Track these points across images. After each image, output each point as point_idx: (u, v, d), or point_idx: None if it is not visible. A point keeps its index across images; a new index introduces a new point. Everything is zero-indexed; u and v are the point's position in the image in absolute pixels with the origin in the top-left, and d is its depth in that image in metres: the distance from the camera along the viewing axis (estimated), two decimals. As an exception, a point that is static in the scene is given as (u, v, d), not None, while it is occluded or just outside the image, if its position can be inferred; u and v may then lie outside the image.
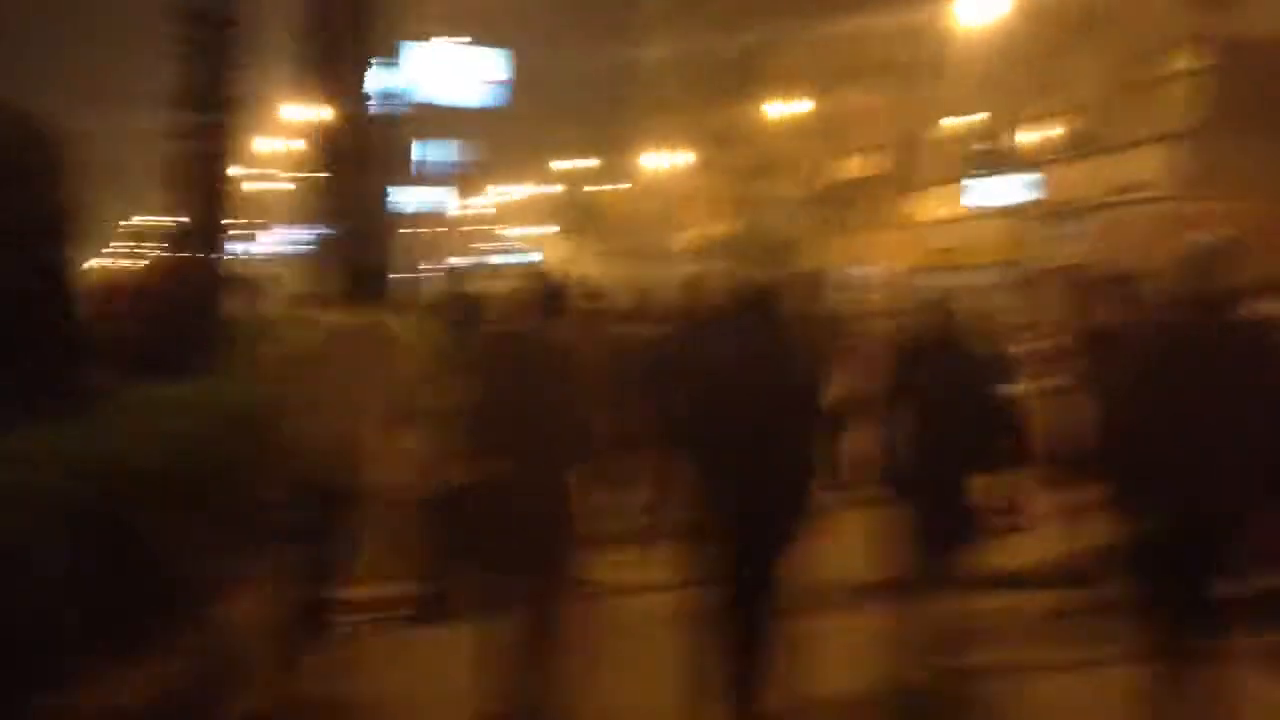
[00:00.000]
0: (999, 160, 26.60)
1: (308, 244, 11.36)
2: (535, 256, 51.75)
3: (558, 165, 58.11)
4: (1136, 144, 24.00)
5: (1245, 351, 4.35)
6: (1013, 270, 25.06)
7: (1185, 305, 4.37)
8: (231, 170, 9.04)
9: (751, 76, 42.54)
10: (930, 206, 32.53)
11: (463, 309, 11.91)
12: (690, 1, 48.85)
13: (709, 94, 46.38)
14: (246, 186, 39.62)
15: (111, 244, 54.52)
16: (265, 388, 6.01)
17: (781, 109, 40.37)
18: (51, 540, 3.77)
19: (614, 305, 11.65)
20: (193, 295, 8.43)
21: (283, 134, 38.16)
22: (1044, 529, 8.31)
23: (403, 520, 5.41)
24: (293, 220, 30.21)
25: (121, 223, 54.95)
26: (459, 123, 33.76)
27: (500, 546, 4.86)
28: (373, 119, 12.15)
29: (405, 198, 26.49)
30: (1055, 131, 27.12)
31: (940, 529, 5.62)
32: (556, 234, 57.18)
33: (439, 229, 39.80)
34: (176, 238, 8.76)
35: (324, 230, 11.58)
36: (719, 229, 43.90)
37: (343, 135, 11.53)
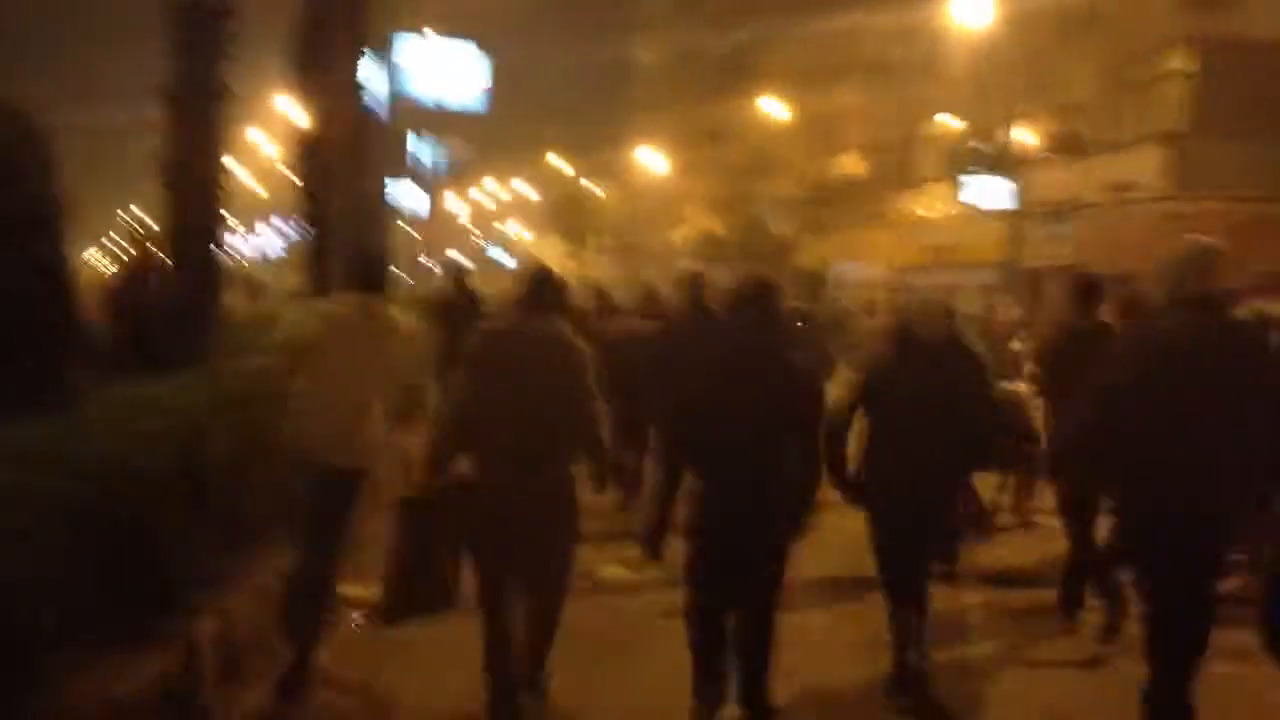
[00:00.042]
0: (992, 159, 26.62)
1: (302, 238, 11.30)
2: (530, 254, 51.74)
3: (552, 162, 58.08)
4: (1129, 144, 24.06)
5: (1242, 352, 4.36)
6: (1006, 269, 25.15)
7: (1182, 306, 4.37)
8: (225, 164, 9.01)
9: (746, 75, 42.57)
10: (923, 205, 32.58)
11: (459, 306, 11.94)
12: (685, 1, 48.86)
13: (703, 92, 46.39)
14: (240, 180, 39.55)
15: (104, 238, 54.44)
16: (258, 380, 5.99)
17: (775, 107, 40.39)
18: (47, 537, 3.75)
19: (609, 302, 11.65)
20: (159, 294, 8.41)
21: (277, 128, 38.07)
22: (1040, 527, 8.34)
23: (392, 516, 5.40)
24: (287, 214, 30.15)
25: (119, 213, 54.83)
26: (454, 120, 33.70)
27: (498, 544, 4.84)
28: (367, 114, 12.10)
29: (401, 194, 26.47)
30: (1048, 131, 27.16)
31: (937, 527, 5.62)
32: (551, 232, 57.14)
33: (435, 226, 39.73)
34: (169, 233, 8.73)
35: (319, 225, 11.53)
36: (713, 227, 43.93)
37: (337, 130, 11.49)
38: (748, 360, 4.85)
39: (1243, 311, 4.77)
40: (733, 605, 4.87)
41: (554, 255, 45.75)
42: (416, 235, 35.26)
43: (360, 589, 5.94)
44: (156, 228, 10.25)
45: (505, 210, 66.64)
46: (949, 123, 30.83)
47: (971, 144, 27.97)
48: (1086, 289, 6.75)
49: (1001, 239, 25.94)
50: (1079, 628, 6.44)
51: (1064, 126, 26.80)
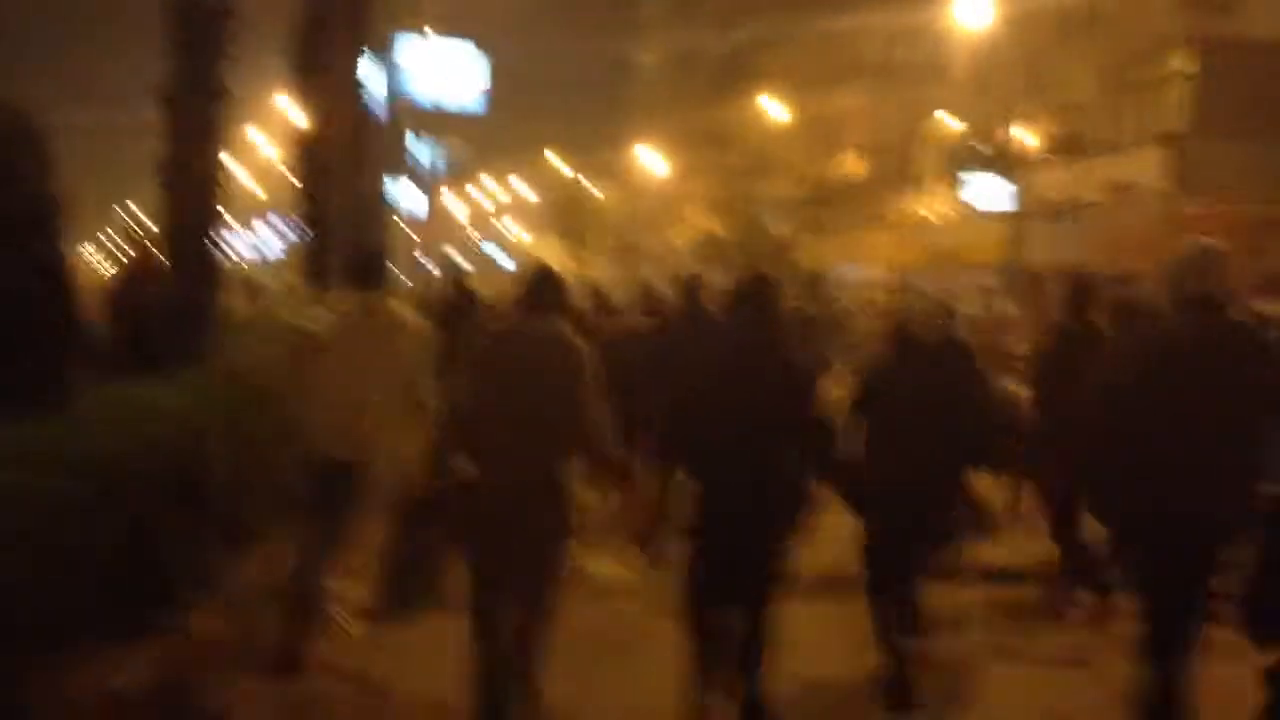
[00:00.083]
0: (992, 160, 26.63)
1: (301, 238, 11.31)
2: (530, 254, 51.75)
3: (551, 163, 58.06)
4: (1129, 144, 24.07)
5: (1243, 352, 4.36)
6: (1006, 270, 25.15)
7: (1183, 306, 4.37)
8: (224, 164, 9.01)
9: (746, 75, 42.57)
10: (923, 206, 32.59)
11: (459, 306, 11.93)
12: (685, 1, 48.86)
13: (703, 93, 46.41)
14: (240, 180, 39.57)
15: (99, 234, 54.47)
16: (263, 377, 6.01)
17: (775, 108, 40.39)
18: (47, 536, 3.75)
19: (606, 302, 11.66)
20: (158, 294, 8.41)
21: (276, 127, 38.07)
22: (1036, 525, 8.33)
23: (390, 515, 5.41)
24: (285, 214, 30.14)
25: (116, 209, 54.87)
26: (452, 119, 33.72)
27: (497, 544, 4.83)
28: (366, 114, 12.11)
29: (399, 194, 26.48)
30: (1048, 131, 27.17)
31: (935, 527, 5.62)
32: (549, 232, 57.14)
33: (433, 226, 39.74)
34: (167, 232, 8.72)
35: (317, 225, 11.54)
36: (713, 227, 43.93)
37: (336, 130, 11.49)
38: (745, 358, 4.84)
39: (1239, 312, 4.77)
40: (730, 605, 4.87)
41: (553, 256, 45.74)
42: (414, 235, 35.27)
43: (351, 585, 5.96)
44: (155, 227, 10.25)
45: (504, 210, 66.63)
46: (949, 123, 30.85)
47: (971, 144, 27.99)
48: (1079, 291, 6.79)
49: (1001, 239, 25.95)
50: (1071, 625, 6.45)
51: (1064, 127, 26.81)
